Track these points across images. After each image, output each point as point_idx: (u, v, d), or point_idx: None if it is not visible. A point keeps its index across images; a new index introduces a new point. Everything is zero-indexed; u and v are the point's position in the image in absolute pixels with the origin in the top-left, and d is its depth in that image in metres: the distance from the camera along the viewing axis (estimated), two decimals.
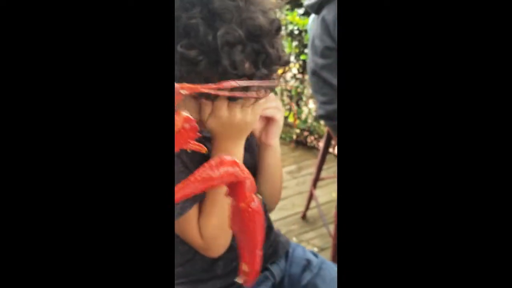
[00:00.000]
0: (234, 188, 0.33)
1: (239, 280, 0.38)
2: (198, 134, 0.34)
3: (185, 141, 0.34)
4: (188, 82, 0.55)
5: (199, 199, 0.68)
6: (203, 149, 0.35)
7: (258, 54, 0.59)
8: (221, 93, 0.52)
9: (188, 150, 0.35)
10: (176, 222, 0.67)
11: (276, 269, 0.83)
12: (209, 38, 0.58)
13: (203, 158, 0.56)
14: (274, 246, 0.83)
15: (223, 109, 0.63)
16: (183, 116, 0.32)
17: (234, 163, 0.32)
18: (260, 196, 0.34)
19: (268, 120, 0.73)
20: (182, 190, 0.33)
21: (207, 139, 0.65)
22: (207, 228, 0.68)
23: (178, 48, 0.58)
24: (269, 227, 0.84)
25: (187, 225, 0.69)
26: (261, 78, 0.59)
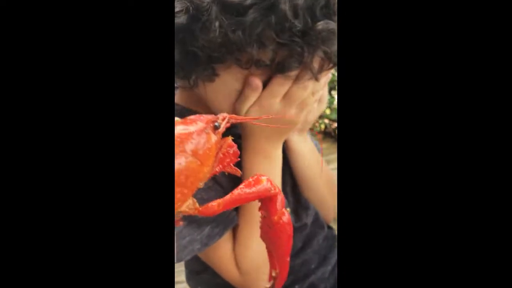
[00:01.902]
0: (267, 203, 0.40)
1: (268, 285, 0.44)
2: (238, 158, 0.40)
3: (227, 164, 0.40)
4: (234, 48, 0.48)
5: (230, 225, 0.58)
6: (238, 172, 0.42)
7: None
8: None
9: (226, 173, 0.42)
10: (205, 253, 0.58)
11: None
12: None
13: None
14: None
15: (276, 98, 0.48)
16: (228, 141, 0.39)
17: (268, 180, 0.39)
18: (289, 209, 0.40)
19: None
20: (222, 204, 0.39)
21: (237, 136, 0.53)
22: (246, 259, 0.56)
23: None
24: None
25: (219, 257, 0.58)
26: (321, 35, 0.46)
